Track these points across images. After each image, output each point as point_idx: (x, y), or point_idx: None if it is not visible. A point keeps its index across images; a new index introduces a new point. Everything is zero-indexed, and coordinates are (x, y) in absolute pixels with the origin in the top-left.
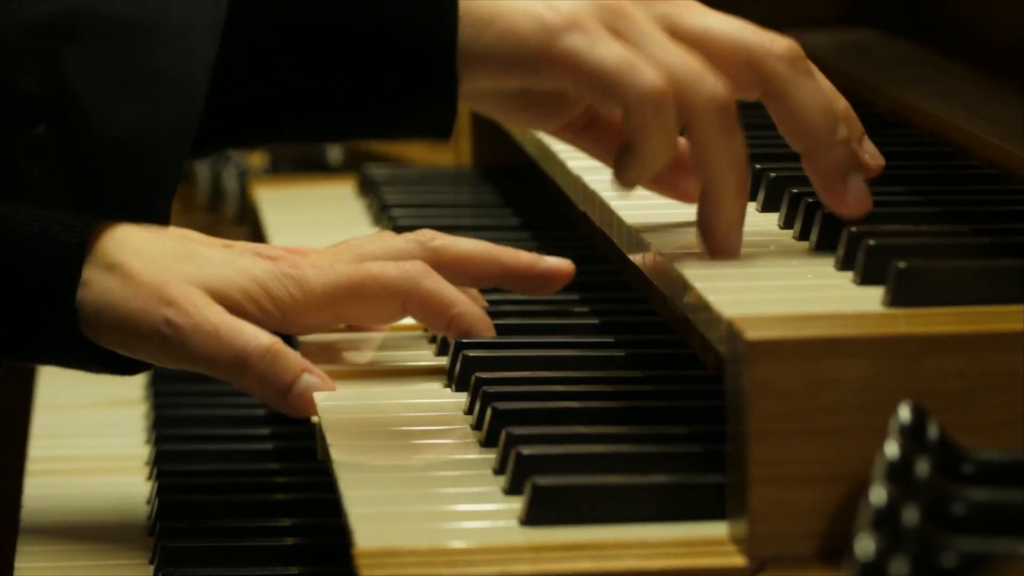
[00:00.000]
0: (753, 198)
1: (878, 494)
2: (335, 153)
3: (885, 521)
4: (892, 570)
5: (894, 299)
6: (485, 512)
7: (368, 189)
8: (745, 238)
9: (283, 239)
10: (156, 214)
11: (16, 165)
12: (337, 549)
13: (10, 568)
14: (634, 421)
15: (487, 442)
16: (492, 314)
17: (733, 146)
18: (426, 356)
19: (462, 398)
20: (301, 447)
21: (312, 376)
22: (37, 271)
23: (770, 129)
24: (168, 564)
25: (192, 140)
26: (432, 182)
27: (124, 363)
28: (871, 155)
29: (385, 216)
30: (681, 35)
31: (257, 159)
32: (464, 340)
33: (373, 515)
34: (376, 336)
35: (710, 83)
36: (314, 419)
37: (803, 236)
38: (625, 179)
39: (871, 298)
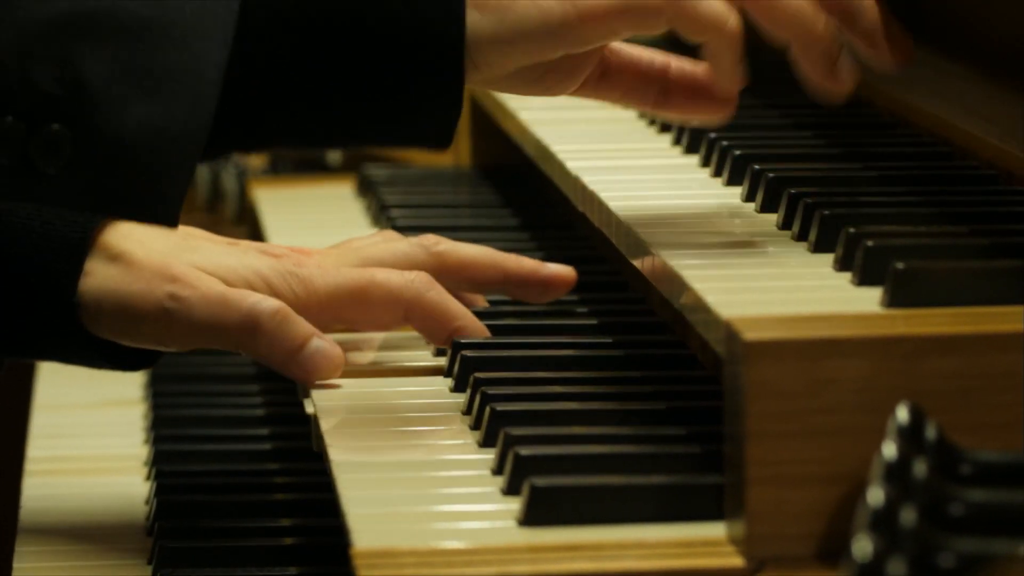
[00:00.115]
0: (751, 198)
1: (876, 495)
2: (334, 153)
3: (883, 522)
4: (890, 571)
5: (892, 299)
6: (483, 512)
7: (367, 189)
8: (743, 238)
9: (282, 239)
10: (167, 214)
11: (32, 162)
12: (335, 549)
13: (8, 568)
14: (632, 422)
15: (485, 442)
16: (491, 314)
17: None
18: (424, 356)
19: (460, 398)
20: (299, 447)
21: (322, 340)
22: (39, 265)
23: (768, 130)
24: (166, 564)
25: (204, 141)
26: (431, 182)
27: (125, 357)
28: (895, 43)
29: (384, 216)
30: None
31: (256, 159)
32: (462, 340)
33: (371, 515)
34: (375, 336)
35: None
36: (309, 411)
37: (802, 236)
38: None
39: (870, 298)
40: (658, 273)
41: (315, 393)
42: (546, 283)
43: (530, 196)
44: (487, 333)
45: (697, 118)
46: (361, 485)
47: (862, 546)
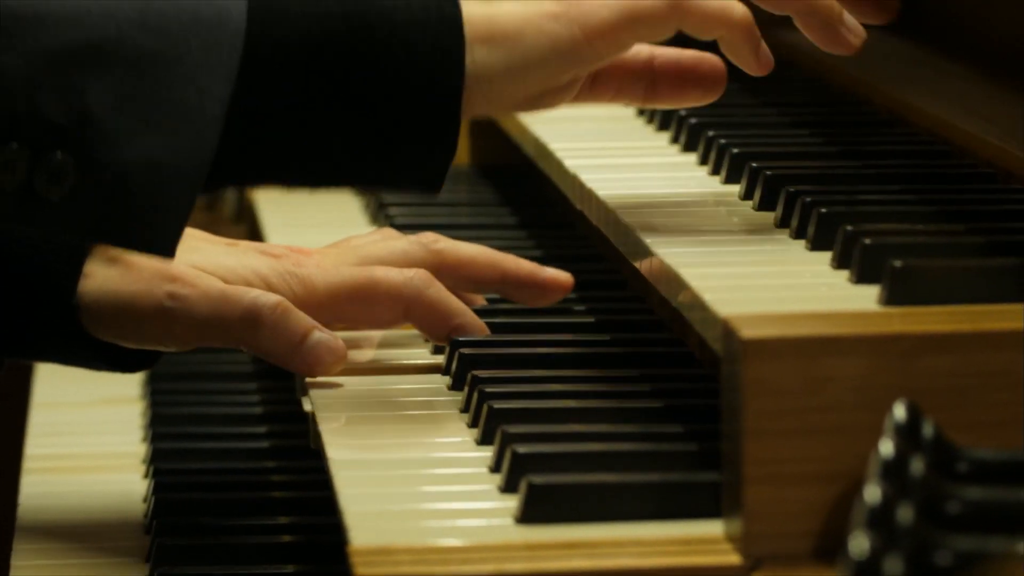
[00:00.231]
0: (749, 196)
1: (873, 492)
2: None
3: (880, 519)
4: (886, 568)
5: (890, 298)
6: (480, 510)
7: None
8: (741, 236)
9: (280, 237)
10: (165, 246)
11: (35, 189)
12: (333, 547)
13: (7, 565)
14: (630, 419)
15: (483, 440)
16: (489, 312)
17: None
18: (422, 354)
19: (458, 396)
20: (297, 445)
21: (323, 333)
22: (38, 267)
23: (766, 128)
24: (164, 562)
25: (205, 176)
26: None
27: (125, 359)
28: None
29: (382, 215)
30: None
31: None
32: (460, 338)
33: (369, 513)
34: (373, 334)
35: None
36: (307, 408)
37: (799, 234)
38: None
39: (867, 296)
40: (656, 271)
41: (313, 391)
42: (543, 286)
43: (528, 194)
44: (486, 331)
45: (688, 102)
46: (359, 483)
47: (859, 544)
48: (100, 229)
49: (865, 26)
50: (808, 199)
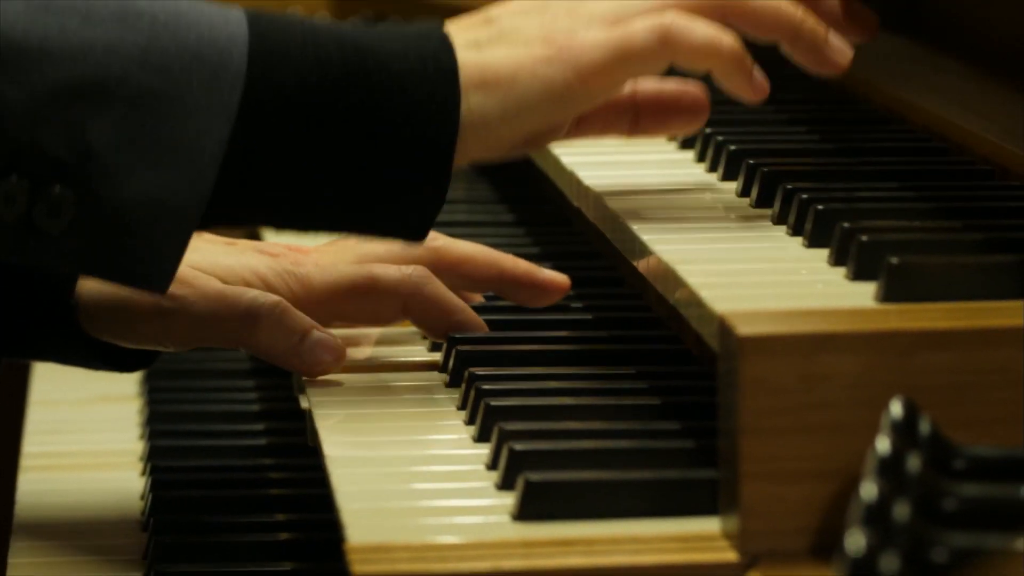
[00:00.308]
0: (746, 193)
1: (869, 490)
2: None
3: (876, 517)
4: (883, 566)
5: (887, 294)
6: (477, 507)
7: None
8: (738, 233)
9: (279, 237)
10: (159, 282)
11: (34, 222)
12: (330, 544)
13: (4, 563)
14: (627, 417)
15: (480, 437)
16: (486, 309)
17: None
18: (419, 351)
19: (455, 393)
20: (294, 443)
21: (322, 332)
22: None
23: (763, 125)
24: (161, 559)
25: (201, 214)
26: None
27: (123, 358)
28: (862, 18)
29: None
30: None
31: None
32: (457, 335)
33: (365, 510)
34: (370, 332)
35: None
36: (304, 405)
37: (797, 231)
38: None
39: (864, 293)
40: (652, 268)
41: (310, 388)
42: (540, 286)
43: (526, 191)
44: (485, 327)
45: (673, 132)
46: (355, 480)
47: (855, 541)
48: (96, 263)
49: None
50: (805, 196)
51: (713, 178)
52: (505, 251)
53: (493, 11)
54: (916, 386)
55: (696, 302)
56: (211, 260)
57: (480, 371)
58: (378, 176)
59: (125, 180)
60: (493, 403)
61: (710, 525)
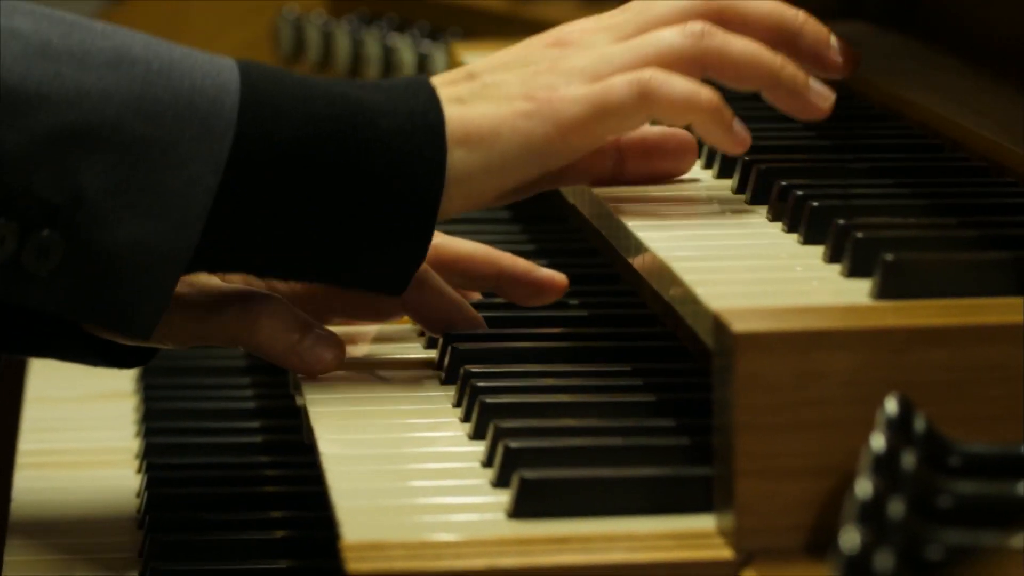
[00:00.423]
0: (742, 190)
1: (864, 487)
2: None
3: (871, 514)
4: (877, 563)
5: (882, 291)
6: (472, 505)
7: None
8: (733, 230)
9: None
10: (143, 328)
11: (22, 264)
12: (326, 542)
13: (0, 561)
14: (622, 414)
15: (475, 434)
16: (482, 307)
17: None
18: (415, 349)
19: (451, 390)
20: (290, 440)
21: (321, 331)
22: None
23: (759, 122)
24: (157, 557)
25: (188, 262)
26: None
27: (121, 355)
28: (842, 53)
29: None
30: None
31: None
32: (453, 333)
33: (360, 508)
34: (367, 329)
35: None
36: (300, 403)
37: (792, 228)
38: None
39: (859, 290)
40: (648, 265)
41: (305, 386)
42: (538, 285)
43: None
44: (483, 324)
45: (659, 178)
46: (351, 477)
47: (850, 538)
48: (82, 307)
49: (859, 22)
50: (800, 193)
51: (708, 175)
52: (501, 248)
53: (475, 65)
54: (911, 383)
55: (691, 299)
56: None
57: (475, 368)
58: (362, 230)
59: (114, 226)
60: (488, 400)
61: (705, 522)
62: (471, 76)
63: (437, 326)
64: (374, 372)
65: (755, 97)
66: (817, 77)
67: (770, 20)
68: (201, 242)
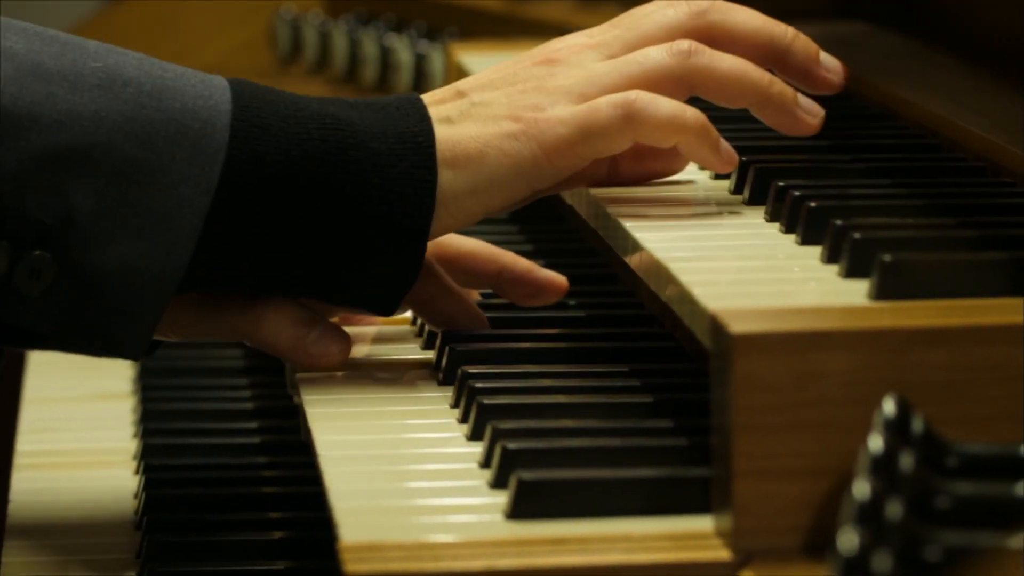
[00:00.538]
0: (739, 191)
1: (862, 488)
2: None
3: (869, 515)
4: (875, 564)
5: (880, 292)
6: (470, 506)
7: None
8: (731, 231)
9: None
10: (133, 349)
11: (14, 284)
12: (324, 543)
13: None
14: (620, 415)
15: (473, 436)
16: (480, 306)
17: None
18: (413, 350)
19: (449, 392)
20: (288, 441)
21: (327, 324)
22: None
23: (755, 121)
24: (155, 558)
25: (177, 283)
26: None
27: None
28: (830, 70)
29: None
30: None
31: None
32: (450, 333)
33: (358, 509)
34: (364, 331)
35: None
36: (297, 402)
37: (789, 229)
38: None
39: (856, 291)
40: (645, 265)
41: (303, 386)
42: (539, 285)
43: None
44: (486, 322)
45: (652, 177)
46: (348, 478)
47: (848, 539)
48: (73, 327)
49: (858, 21)
50: (798, 193)
51: (705, 175)
52: (500, 248)
53: (464, 83)
54: (909, 384)
55: (688, 299)
56: None
57: (473, 369)
58: (354, 251)
59: (105, 247)
60: (486, 401)
61: (703, 523)
62: (460, 94)
63: (439, 319)
64: (372, 373)
65: None
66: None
67: (759, 37)
68: (192, 263)
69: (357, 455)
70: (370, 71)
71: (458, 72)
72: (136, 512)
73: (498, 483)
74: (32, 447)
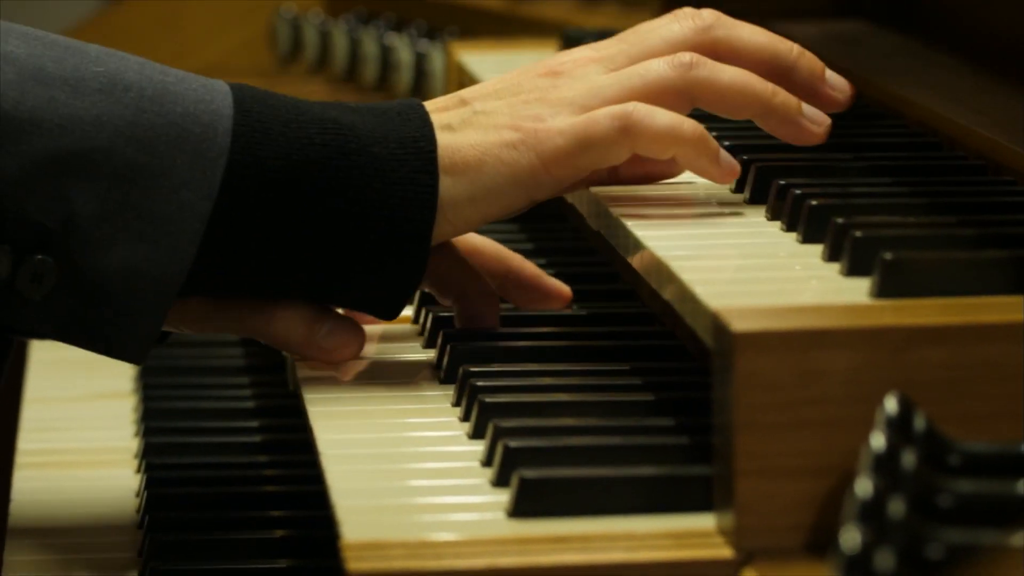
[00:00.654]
0: (740, 190)
1: (864, 486)
2: None
3: (871, 513)
4: (878, 562)
5: (881, 290)
6: (472, 504)
7: None
8: (732, 229)
9: None
10: (137, 352)
11: (16, 288)
12: (326, 541)
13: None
14: (621, 413)
15: (475, 434)
16: None
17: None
18: (415, 348)
19: (450, 390)
20: (290, 439)
21: (338, 318)
22: None
23: None
24: (157, 557)
25: (180, 287)
26: None
27: None
28: (836, 88)
29: None
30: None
31: None
32: (452, 332)
33: (360, 507)
34: (367, 330)
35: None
36: (298, 400)
37: (791, 227)
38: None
39: (858, 289)
40: (646, 264)
41: (305, 385)
42: (543, 292)
43: None
44: (496, 322)
45: (653, 178)
46: (350, 477)
47: (850, 537)
48: (75, 330)
49: (858, 21)
50: (799, 191)
51: None
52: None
53: (468, 92)
54: (911, 382)
55: (690, 298)
56: None
57: (474, 368)
58: (355, 256)
59: (106, 251)
60: (488, 400)
61: (705, 521)
62: (463, 102)
63: (451, 293)
64: (374, 371)
65: None
66: None
67: (764, 53)
68: (194, 267)
69: (359, 453)
70: (370, 70)
71: (458, 71)
72: (138, 511)
73: (500, 481)
74: (34, 446)
